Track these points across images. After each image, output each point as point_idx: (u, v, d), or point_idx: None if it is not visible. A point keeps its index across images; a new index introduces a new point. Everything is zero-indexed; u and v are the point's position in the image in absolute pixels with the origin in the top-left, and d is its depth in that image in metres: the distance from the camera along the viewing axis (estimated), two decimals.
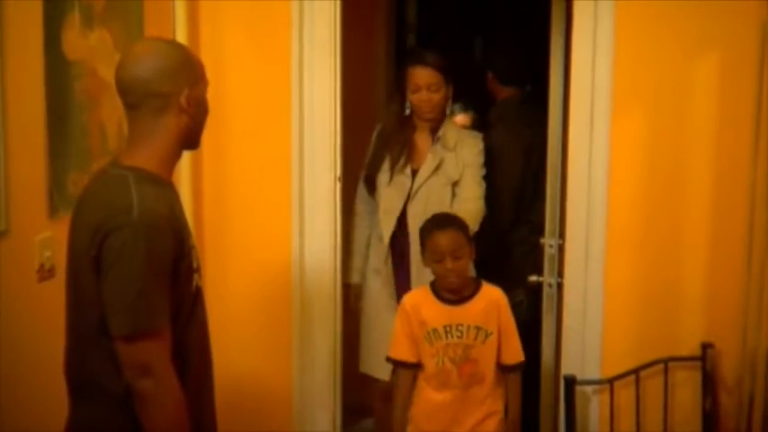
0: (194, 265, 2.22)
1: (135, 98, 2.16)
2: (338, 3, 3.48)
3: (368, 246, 3.82)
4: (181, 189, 3.40)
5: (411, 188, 3.63)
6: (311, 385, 3.63)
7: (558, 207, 3.50)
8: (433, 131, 3.70)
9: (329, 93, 3.50)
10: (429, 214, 3.38)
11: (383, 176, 3.69)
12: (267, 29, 3.50)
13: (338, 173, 3.54)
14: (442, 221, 3.21)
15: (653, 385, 3.32)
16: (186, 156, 3.35)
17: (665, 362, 3.28)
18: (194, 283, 2.22)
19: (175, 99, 2.15)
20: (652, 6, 3.21)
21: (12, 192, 2.47)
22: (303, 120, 3.50)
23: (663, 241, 3.32)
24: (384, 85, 4.96)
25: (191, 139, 2.25)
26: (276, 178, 3.54)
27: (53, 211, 2.64)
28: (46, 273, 2.59)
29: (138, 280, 2.02)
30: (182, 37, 3.37)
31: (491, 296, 3.20)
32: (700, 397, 3.28)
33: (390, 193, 3.67)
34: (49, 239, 2.60)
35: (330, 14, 3.47)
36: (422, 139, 3.73)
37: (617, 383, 3.29)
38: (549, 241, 3.53)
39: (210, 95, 3.42)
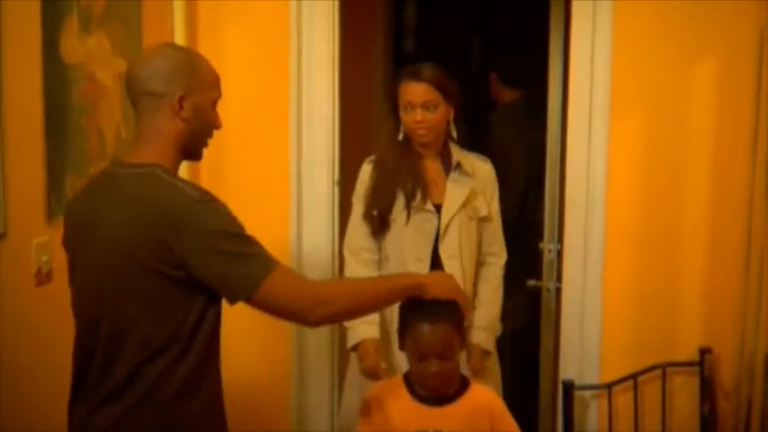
0: None
1: (132, 96, 2.19)
2: (336, 5, 3.48)
3: None
4: None
5: (439, 226, 3.12)
6: (309, 389, 3.62)
7: (557, 211, 3.50)
8: (443, 157, 3.20)
9: (327, 96, 3.50)
10: (464, 255, 3.10)
11: (398, 216, 3.12)
12: (266, 32, 3.50)
13: (336, 177, 3.54)
14: (433, 312, 2.41)
15: (651, 390, 3.32)
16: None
17: (663, 367, 3.28)
18: None
19: (168, 99, 2.15)
20: (650, 9, 3.22)
21: (9, 196, 2.46)
22: (301, 123, 3.50)
23: (661, 246, 3.32)
24: (382, 87, 4.96)
25: (189, 147, 2.24)
26: (274, 182, 3.53)
27: (51, 215, 2.63)
28: (43, 277, 2.59)
29: (235, 241, 2.12)
30: (180, 40, 3.37)
31: (482, 400, 2.52)
32: (698, 402, 3.28)
33: (414, 236, 3.12)
34: (46, 243, 2.60)
35: (329, 17, 3.47)
36: (432, 166, 3.19)
37: (615, 388, 3.29)
38: (547, 246, 3.53)
39: None
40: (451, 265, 3.08)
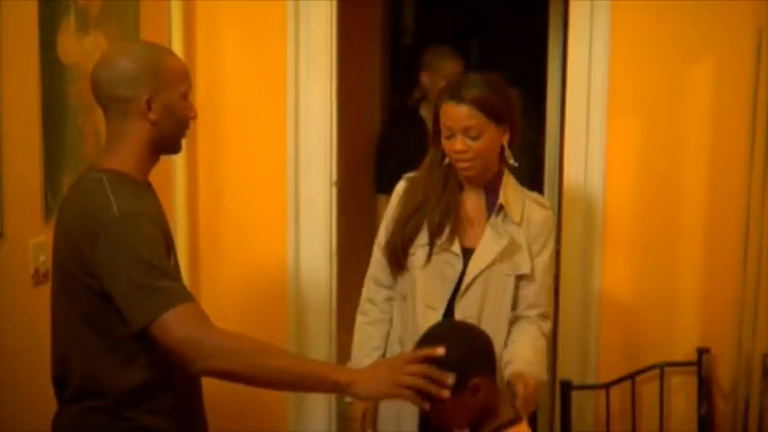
0: (173, 250, 2.20)
1: (102, 101, 2.15)
2: (334, 5, 3.48)
3: (386, 349, 2.77)
4: (176, 193, 3.41)
5: (462, 275, 2.62)
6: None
7: (556, 212, 3.50)
8: (489, 192, 2.66)
9: (325, 96, 3.50)
10: (486, 318, 2.59)
11: (418, 253, 2.65)
12: (263, 32, 3.50)
13: (334, 177, 3.53)
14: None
15: (649, 390, 3.32)
16: (181, 159, 3.36)
17: (661, 367, 3.28)
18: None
19: (136, 104, 2.11)
20: (648, 9, 3.22)
21: (6, 196, 2.46)
22: (299, 123, 3.50)
23: (659, 246, 3.32)
24: (379, 88, 4.97)
25: (162, 146, 2.19)
26: (272, 182, 3.53)
27: (48, 215, 2.63)
28: (41, 277, 2.58)
29: (142, 265, 1.99)
30: (177, 40, 3.36)
31: None
32: (695, 402, 3.28)
33: (430, 280, 2.64)
34: (43, 243, 2.59)
35: (326, 17, 3.47)
36: (472, 202, 2.68)
37: (613, 388, 3.29)
38: None
39: (206, 98, 3.47)
40: None
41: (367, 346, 2.75)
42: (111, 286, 2.01)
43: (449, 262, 2.61)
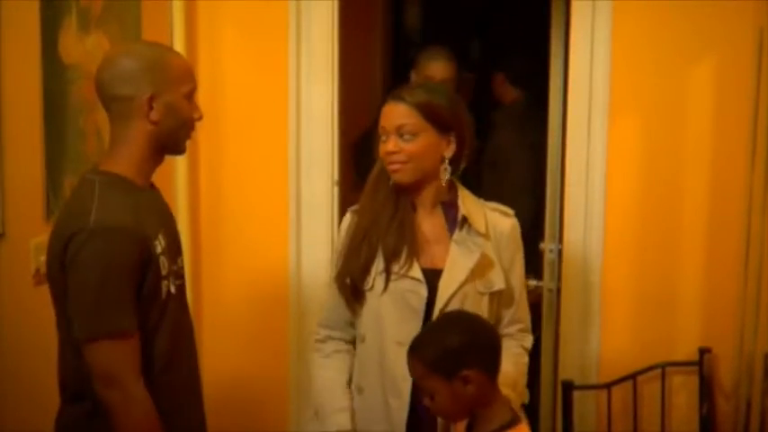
0: (163, 272, 2.16)
1: (103, 102, 2.15)
2: (336, 5, 3.47)
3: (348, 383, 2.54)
4: (177, 193, 3.41)
5: (432, 301, 2.37)
6: (308, 390, 3.61)
7: (558, 211, 3.49)
8: (446, 207, 2.46)
9: (327, 96, 3.50)
10: None
11: (375, 282, 2.40)
12: (265, 32, 3.50)
13: (336, 177, 3.53)
14: None
15: (650, 390, 3.31)
16: (183, 160, 3.36)
17: (663, 367, 3.27)
18: (164, 290, 2.17)
19: (137, 103, 2.10)
20: (649, 10, 3.21)
21: (8, 195, 2.46)
22: (300, 123, 3.50)
23: (660, 246, 3.32)
24: (381, 88, 4.96)
25: (165, 146, 2.20)
26: (273, 182, 3.53)
27: (49, 214, 2.63)
28: (42, 277, 2.57)
29: (95, 283, 2.00)
30: (179, 41, 3.37)
31: None
32: (697, 402, 3.28)
33: (395, 312, 2.38)
34: (45, 243, 2.56)
35: (328, 17, 3.47)
36: (429, 220, 2.46)
37: (614, 388, 3.29)
38: (548, 246, 3.53)
39: (207, 98, 3.47)
40: None
41: (335, 400, 2.49)
42: (67, 292, 2.03)
43: (411, 289, 2.36)
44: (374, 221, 2.41)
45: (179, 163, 3.39)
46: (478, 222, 2.42)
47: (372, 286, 2.39)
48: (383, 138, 2.38)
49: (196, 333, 2.44)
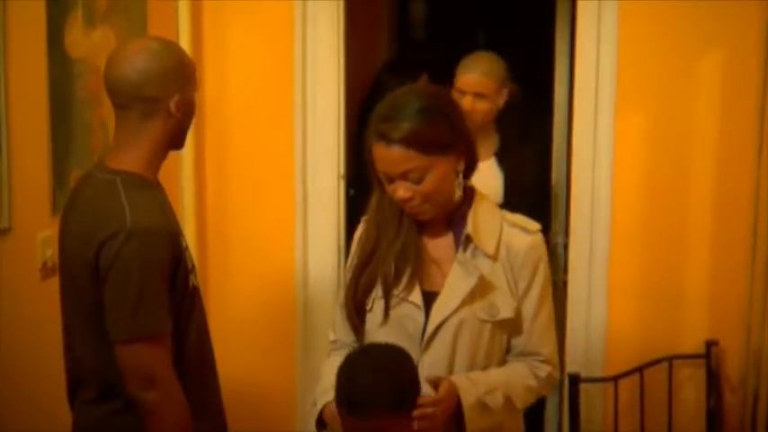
0: (189, 266, 2.19)
1: (124, 100, 2.11)
2: (342, 2, 3.47)
3: None
4: (183, 189, 3.41)
5: (425, 326, 2.15)
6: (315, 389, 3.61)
7: (564, 205, 3.50)
8: (456, 223, 2.19)
9: (333, 91, 3.50)
10: (457, 370, 2.14)
11: (375, 307, 2.20)
12: (271, 27, 3.50)
13: (342, 171, 3.54)
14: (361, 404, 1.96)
15: (657, 383, 3.31)
16: (189, 156, 3.37)
17: (670, 360, 3.27)
18: (190, 284, 2.20)
19: (164, 104, 2.10)
20: (656, 4, 3.21)
21: (15, 189, 2.47)
22: (306, 118, 3.50)
23: (667, 239, 3.32)
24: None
25: (176, 141, 2.21)
26: (280, 177, 3.53)
27: (56, 209, 2.64)
28: (49, 270, 2.59)
29: (135, 285, 2.01)
30: (185, 35, 3.37)
31: None
32: (704, 395, 3.28)
33: (392, 336, 2.16)
34: (51, 237, 2.59)
35: (334, 12, 3.46)
36: (436, 238, 2.22)
37: (621, 381, 3.28)
38: (555, 240, 3.54)
39: (213, 94, 3.48)
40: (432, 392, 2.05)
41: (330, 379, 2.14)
42: (105, 293, 2.03)
43: (409, 315, 2.15)
44: (378, 240, 2.21)
45: (185, 159, 3.39)
46: (486, 241, 2.14)
47: (372, 309, 2.20)
48: (387, 180, 2.11)
49: None
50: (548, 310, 2.20)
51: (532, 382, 2.17)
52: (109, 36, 2.92)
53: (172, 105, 2.11)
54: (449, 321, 2.12)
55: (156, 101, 2.10)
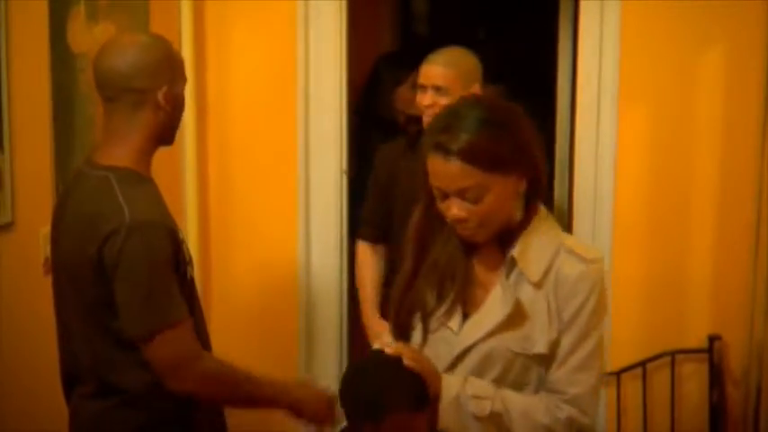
0: (186, 258, 2.18)
1: (112, 92, 2.11)
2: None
3: None
4: (187, 186, 3.42)
5: (454, 348, 1.98)
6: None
7: (567, 200, 3.49)
8: (508, 243, 1.96)
9: (335, 87, 3.50)
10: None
11: (417, 327, 2.04)
12: (273, 24, 3.50)
13: (344, 166, 3.54)
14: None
15: (660, 377, 3.31)
16: (192, 152, 3.37)
17: (672, 354, 3.27)
18: (189, 276, 2.19)
19: (152, 96, 2.10)
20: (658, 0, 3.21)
21: (17, 184, 2.47)
22: (309, 114, 3.50)
23: (669, 234, 3.31)
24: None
25: (165, 136, 2.19)
26: (282, 172, 3.54)
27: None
28: (51, 266, 2.59)
29: (144, 280, 2.01)
30: (187, 30, 3.37)
31: None
32: (707, 389, 3.28)
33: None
34: None
35: (336, 9, 3.46)
36: (486, 258, 2.01)
37: (624, 376, 3.29)
38: None
39: (216, 91, 3.48)
40: None
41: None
42: (115, 292, 2.02)
43: (445, 339, 1.99)
44: (422, 260, 2.03)
45: (188, 156, 3.40)
46: (532, 267, 1.92)
47: (415, 329, 2.04)
48: (440, 196, 1.92)
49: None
50: (588, 348, 1.93)
51: (545, 420, 1.91)
52: (111, 31, 2.92)
53: (160, 97, 2.10)
54: (476, 348, 1.94)
55: (144, 92, 2.09)
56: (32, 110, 2.55)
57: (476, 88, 2.95)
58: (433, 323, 1.99)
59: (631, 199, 3.32)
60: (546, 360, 1.92)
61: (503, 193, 1.88)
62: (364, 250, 3.18)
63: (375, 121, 3.82)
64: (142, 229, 2.01)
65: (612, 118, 3.27)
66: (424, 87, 2.96)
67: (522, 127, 1.93)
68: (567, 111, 3.49)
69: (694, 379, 3.32)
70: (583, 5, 3.29)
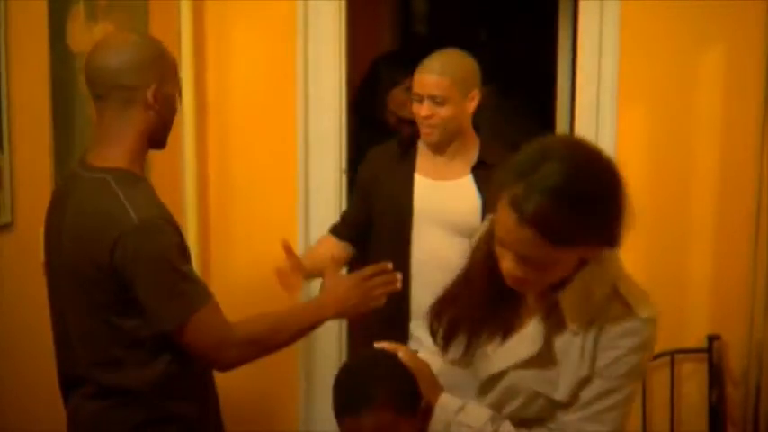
0: (189, 255, 2.21)
1: (102, 89, 2.12)
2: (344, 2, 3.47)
3: None
4: (186, 185, 3.42)
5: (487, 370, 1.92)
6: (316, 394, 3.61)
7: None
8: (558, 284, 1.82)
9: (335, 87, 3.50)
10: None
11: (456, 342, 1.95)
12: (273, 24, 3.50)
13: (343, 166, 3.54)
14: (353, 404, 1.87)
15: (659, 377, 3.31)
16: (191, 153, 3.37)
17: (672, 354, 3.27)
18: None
19: (142, 93, 2.10)
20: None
21: (17, 184, 2.47)
22: (308, 113, 3.50)
23: (668, 234, 3.31)
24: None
25: (156, 137, 2.19)
26: (282, 172, 3.54)
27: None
28: (47, 268, 2.59)
29: (163, 275, 2.04)
30: (187, 31, 3.37)
31: None
32: (706, 389, 3.27)
33: (456, 377, 1.99)
34: None
35: (336, 9, 3.46)
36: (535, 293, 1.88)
37: None
38: None
39: (215, 91, 3.48)
40: None
41: None
42: (136, 291, 2.04)
43: (483, 358, 1.91)
44: (474, 289, 1.91)
45: (187, 157, 3.40)
46: (573, 313, 1.77)
47: (453, 341, 1.96)
48: (498, 243, 1.75)
49: None
50: (608, 403, 1.78)
51: None
52: (110, 30, 2.92)
53: (149, 95, 2.10)
54: (506, 376, 1.86)
55: (132, 89, 2.10)
56: (32, 110, 2.56)
57: (475, 94, 2.83)
58: (477, 340, 1.90)
59: (631, 198, 3.31)
60: (567, 405, 1.80)
61: (568, 261, 1.72)
62: (328, 238, 3.07)
63: (371, 121, 3.81)
64: (150, 228, 2.04)
65: (612, 117, 3.27)
66: (419, 96, 2.80)
67: (610, 196, 1.76)
68: (567, 110, 3.49)
69: (693, 379, 3.32)
70: (582, 5, 3.29)
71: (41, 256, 2.58)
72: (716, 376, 3.26)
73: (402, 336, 2.76)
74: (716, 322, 3.28)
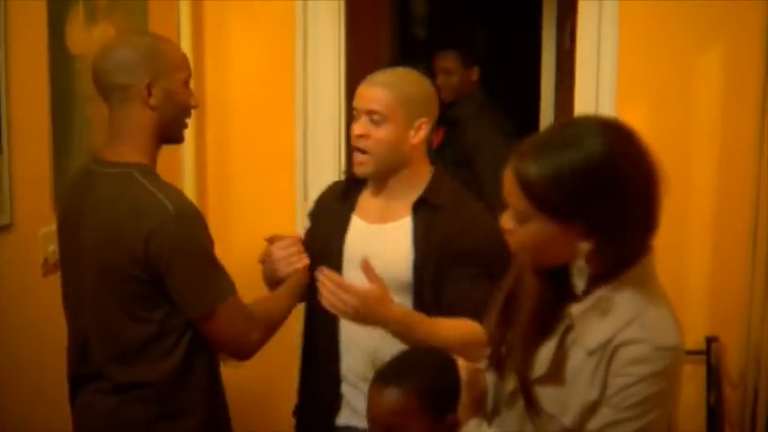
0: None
1: (103, 91, 2.17)
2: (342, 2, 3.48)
3: None
4: (185, 185, 3.43)
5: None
6: None
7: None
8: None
9: (333, 89, 3.50)
10: None
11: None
12: (272, 25, 3.50)
13: (343, 167, 3.54)
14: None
15: None
16: (190, 155, 3.37)
17: None
18: None
19: (136, 90, 2.12)
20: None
21: (16, 185, 2.47)
22: (307, 116, 3.50)
23: (666, 235, 3.29)
24: None
25: (166, 133, 2.21)
26: (281, 175, 3.54)
27: (57, 205, 2.64)
28: (50, 266, 2.59)
29: (203, 260, 2.14)
30: (186, 31, 3.37)
31: None
32: (704, 391, 3.28)
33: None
34: (53, 233, 2.58)
35: (335, 10, 3.47)
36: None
37: None
38: None
39: (214, 93, 3.47)
40: None
41: None
42: (170, 279, 2.09)
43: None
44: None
45: (186, 159, 3.40)
46: (589, 334, 1.68)
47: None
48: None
49: None
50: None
51: None
52: (110, 32, 2.93)
53: (144, 91, 2.12)
54: (510, 397, 1.81)
55: (126, 87, 2.12)
56: (31, 111, 2.56)
57: (423, 124, 2.32)
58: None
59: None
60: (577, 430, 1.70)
61: (549, 231, 1.64)
62: None
63: None
64: (187, 218, 2.11)
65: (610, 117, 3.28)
66: (357, 112, 2.34)
67: (611, 188, 1.69)
68: (551, 102, 3.49)
69: (692, 381, 3.32)
70: (581, 5, 3.29)
71: (40, 257, 2.60)
72: (714, 378, 3.26)
73: (333, 400, 2.47)
74: (714, 324, 3.28)
